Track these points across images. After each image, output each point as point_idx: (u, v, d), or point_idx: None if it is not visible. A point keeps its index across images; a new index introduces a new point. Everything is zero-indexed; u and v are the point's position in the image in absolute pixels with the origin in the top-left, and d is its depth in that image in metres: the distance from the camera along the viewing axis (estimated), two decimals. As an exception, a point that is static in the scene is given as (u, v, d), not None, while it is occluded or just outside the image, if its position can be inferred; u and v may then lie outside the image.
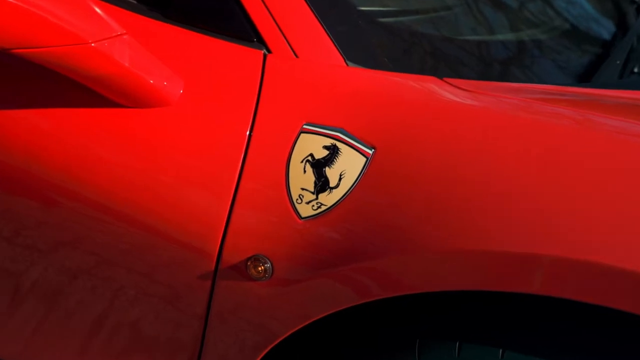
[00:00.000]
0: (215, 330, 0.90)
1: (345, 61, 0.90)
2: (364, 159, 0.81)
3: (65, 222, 0.93)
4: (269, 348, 0.88)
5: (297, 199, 0.82)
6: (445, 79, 0.93)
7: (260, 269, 0.83)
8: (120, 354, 1.00)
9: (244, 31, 0.90)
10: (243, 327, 0.89)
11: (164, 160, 0.86)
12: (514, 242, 0.71)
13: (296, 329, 0.86)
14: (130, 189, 0.88)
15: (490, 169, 0.76)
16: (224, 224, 0.84)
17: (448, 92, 0.89)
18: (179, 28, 0.92)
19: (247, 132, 0.85)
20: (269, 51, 0.90)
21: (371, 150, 0.81)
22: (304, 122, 0.84)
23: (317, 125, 0.84)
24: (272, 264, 0.83)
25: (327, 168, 0.82)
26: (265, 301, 0.85)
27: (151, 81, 0.84)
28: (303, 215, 0.82)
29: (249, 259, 0.84)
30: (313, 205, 0.82)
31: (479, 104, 0.85)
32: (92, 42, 0.77)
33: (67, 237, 0.94)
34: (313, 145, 0.83)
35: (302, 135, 0.84)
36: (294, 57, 0.90)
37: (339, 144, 0.82)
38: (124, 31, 0.80)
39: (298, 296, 0.83)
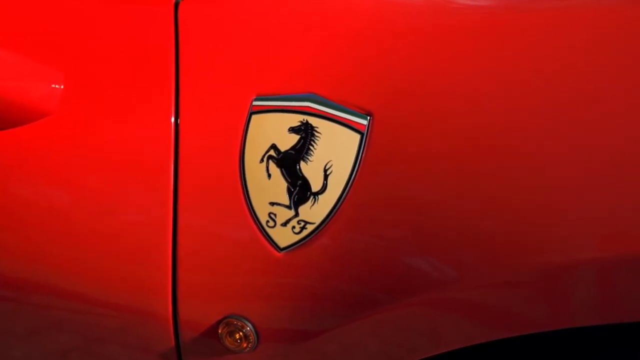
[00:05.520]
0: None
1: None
2: (358, 136, 0.49)
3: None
4: None
5: (267, 221, 0.51)
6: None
7: (237, 336, 0.53)
8: None
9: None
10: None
11: (62, 197, 0.56)
12: None
13: None
14: (38, 251, 0.59)
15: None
16: (170, 277, 0.54)
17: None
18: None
19: (172, 120, 0.54)
20: (182, -4, 0.58)
21: (366, 119, 0.49)
22: (253, 96, 0.53)
23: (274, 98, 0.52)
24: (253, 326, 0.53)
25: (302, 163, 0.51)
26: None
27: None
28: (282, 244, 0.51)
29: (218, 323, 0.54)
30: (294, 227, 0.51)
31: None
32: None
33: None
34: (274, 130, 0.52)
35: (253, 117, 0.52)
36: (222, -4, 0.58)
37: (312, 120, 0.51)
38: None
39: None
